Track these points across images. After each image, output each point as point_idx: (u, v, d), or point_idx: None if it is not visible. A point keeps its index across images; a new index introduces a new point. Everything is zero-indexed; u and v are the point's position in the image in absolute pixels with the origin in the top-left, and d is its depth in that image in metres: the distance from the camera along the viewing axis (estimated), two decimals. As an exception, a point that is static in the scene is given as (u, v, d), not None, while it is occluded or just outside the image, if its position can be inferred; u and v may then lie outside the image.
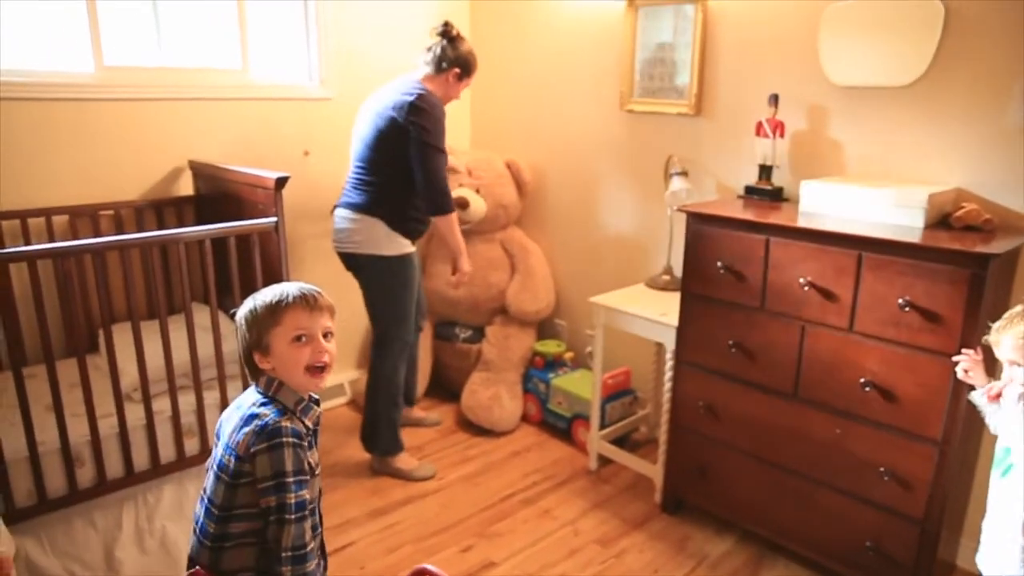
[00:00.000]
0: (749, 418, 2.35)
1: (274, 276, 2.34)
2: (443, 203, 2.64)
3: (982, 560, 1.67)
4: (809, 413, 2.20)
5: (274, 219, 2.30)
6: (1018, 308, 1.54)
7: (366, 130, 2.68)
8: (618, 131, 3.16)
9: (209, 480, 1.42)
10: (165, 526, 2.23)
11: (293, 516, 1.32)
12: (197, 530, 1.43)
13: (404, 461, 2.91)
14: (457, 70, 2.69)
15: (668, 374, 2.60)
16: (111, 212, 2.70)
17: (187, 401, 2.26)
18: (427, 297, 3.34)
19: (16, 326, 1.93)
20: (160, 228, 2.78)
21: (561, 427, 3.24)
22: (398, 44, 3.43)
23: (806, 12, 2.47)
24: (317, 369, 1.41)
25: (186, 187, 2.93)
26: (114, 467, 2.13)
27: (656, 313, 2.62)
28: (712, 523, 2.60)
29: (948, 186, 2.23)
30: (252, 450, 1.32)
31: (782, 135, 2.53)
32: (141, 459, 2.18)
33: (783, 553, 2.43)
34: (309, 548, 1.35)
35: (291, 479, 1.32)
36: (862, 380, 2.06)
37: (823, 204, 2.32)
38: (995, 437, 1.76)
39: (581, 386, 3.15)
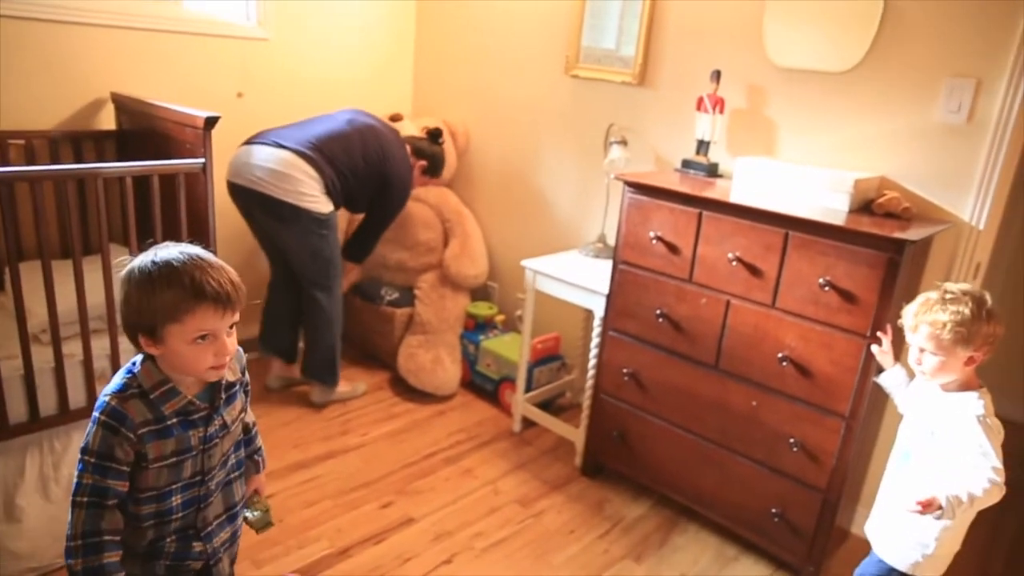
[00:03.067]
0: (671, 387, 2.42)
1: (200, 220, 2.26)
2: (364, 259, 3.20)
3: (870, 530, 1.79)
4: (729, 384, 2.28)
5: (202, 160, 2.21)
6: (933, 295, 1.60)
7: (369, 135, 2.84)
8: (562, 96, 3.15)
9: None
10: (72, 474, 2.15)
11: (83, 499, 1.20)
12: None
13: (344, 386, 3.11)
14: (424, 163, 3.11)
15: (595, 341, 2.64)
16: (21, 141, 2.52)
17: (101, 345, 2.16)
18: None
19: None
20: (77, 162, 2.63)
21: (488, 389, 3.26)
22: (341, -12, 3.31)
23: (753, -9, 2.49)
24: (218, 366, 1.26)
25: (108, 121, 2.77)
26: (17, 411, 2.03)
27: (587, 280, 2.65)
28: (630, 487, 2.67)
29: (874, 173, 2.31)
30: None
31: (722, 111, 2.56)
32: (48, 403, 2.08)
33: (695, 518, 2.53)
34: (102, 539, 1.21)
35: (91, 458, 1.20)
36: (780, 355, 2.14)
37: (755, 182, 2.37)
38: (894, 414, 1.88)
39: (510, 349, 3.17)
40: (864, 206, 2.24)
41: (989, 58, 2.10)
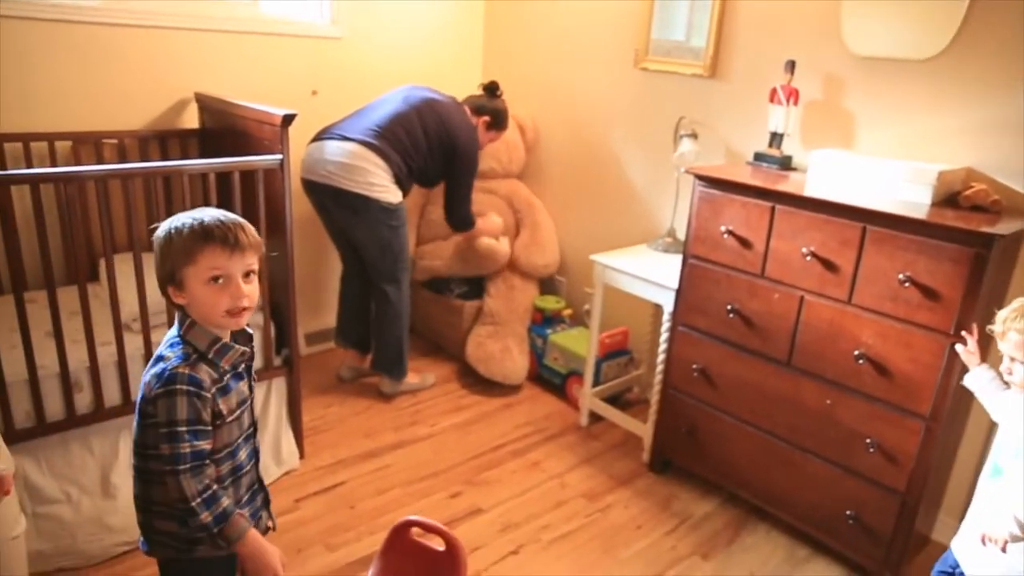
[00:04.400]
0: (742, 383, 2.38)
1: (277, 214, 2.34)
2: (467, 226, 3.14)
3: (958, 547, 1.68)
4: (802, 382, 2.23)
5: (279, 156, 2.28)
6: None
7: (427, 111, 2.87)
8: (631, 89, 3.12)
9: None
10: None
11: (186, 466, 1.27)
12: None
13: (411, 377, 3.15)
14: (487, 118, 3.05)
15: (664, 336, 2.62)
16: (115, 141, 2.67)
17: (186, 334, 2.27)
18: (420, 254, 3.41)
19: (17, 250, 1.92)
20: (164, 159, 2.76)
21: (556, 383, 3.27)
22: (412, -13, 3.37)
23: (831, -23, 2.42)
24: (235, 311, 1.32)
25: (191, 120, 2.90)
26: (112, 395, 2.16)
27: (657, 274, 2.63)
28: (698, 484, 2.64)
29: (959, 165, 2.21)
30: (152, 393, 1.28)
31: (796, 103, 2.50)
32: (138, 388, 2.20)
33: (765, 517, 2.48)
34: (214, 489, 1.30)
35: (182, 428, 1.26)
36: (856, 352, 2.08)
37: (832, 175, 2.30)
38: (981, 416, 1.78)
39: (578, 343, 3.17)
40: (949, 199, 2.14)
41: (1089, 41, 1.98)
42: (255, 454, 1.48)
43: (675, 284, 2.52)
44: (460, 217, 3.08)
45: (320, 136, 2.83)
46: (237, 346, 1.37)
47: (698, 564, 2.27)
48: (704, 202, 2.39)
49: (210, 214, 1.32)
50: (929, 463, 2.02)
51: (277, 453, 2.52)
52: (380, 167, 2.73)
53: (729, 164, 2.75)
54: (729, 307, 2.35)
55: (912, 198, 2.12)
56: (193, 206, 2.40)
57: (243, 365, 1.41)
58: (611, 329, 3.12)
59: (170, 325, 2.15)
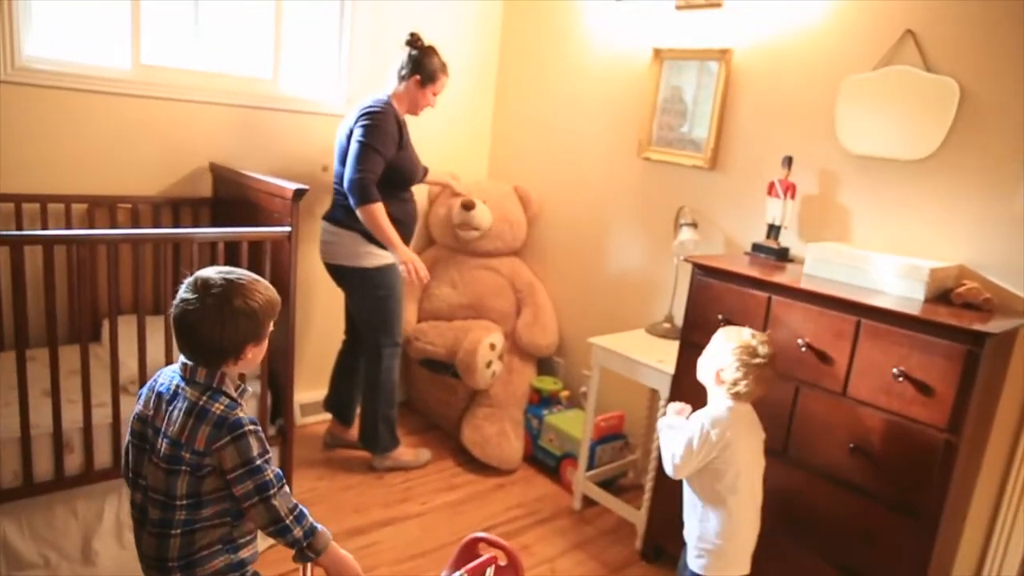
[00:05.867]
0: (736, 473, 2.35)
1: (282, 284, 2.38)
2: (362, 194, 2.64)
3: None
4: (796, 473, 2.21)
5: (288, 228, 2.34)
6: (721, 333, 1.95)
7: (338, 147, 2.82)
8: (633, 177, 3.22)
9: (155, 476, 1.38)
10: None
11: (276, 489, 1.40)
12: (152, 527, 1.39)
13: (403, 453, 3.12)
14: (417, 76, 2.78)
15: (661, 421, 2.60)
16: (129, 205, 2.75)
17: (182, 399, 2.28)
18: (424, 321, 3.41)
19: (23, 308, 1.95)
20: (175, 226, 2.83)
21: (550, 464, 3.23)
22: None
23: (826, 79, 2.53)
24: None
25: (205, 188, 2.98)
26: (103, 457, 2.14)
27: (654, 359, 2.64)
28: (690, 575, 2.58)
29: (951, 262, 2.26)
30: (215, 445, 1.35)
31: (793, 197, 2.57)
32: (130, 452, 2.19)
33: (759, 613, 2.41)
34: (300, 507, 1.44)
35: (260, 461, 1.38)
36: (851, 445, 2.07)
37: (827, 268, 2.35)
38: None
39: (574, 425, 3.15)
40: (942, 295, 2.18)
41: (1073, 150, 2.06)
42: None
43: (671, 369, 2.53)
44: (352, 181, 2.64)
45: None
46: (248, 388, 1.52)
47: (689, 661, 2.19)
48: (701, 290, 2.42)
49: (255, 280, 1.48)
50: (927, 563, 1.98)
51: (264, 525, 2.48)
52: (342, 234, 2.81)
53: (728, 254, 2.80)
54: (725, 394, 2.35)
55: (906, 293, 2.15)
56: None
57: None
58: (607, 412, 3.11)
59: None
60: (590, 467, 2.97)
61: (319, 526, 1.47)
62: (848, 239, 2.54)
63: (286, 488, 1.43)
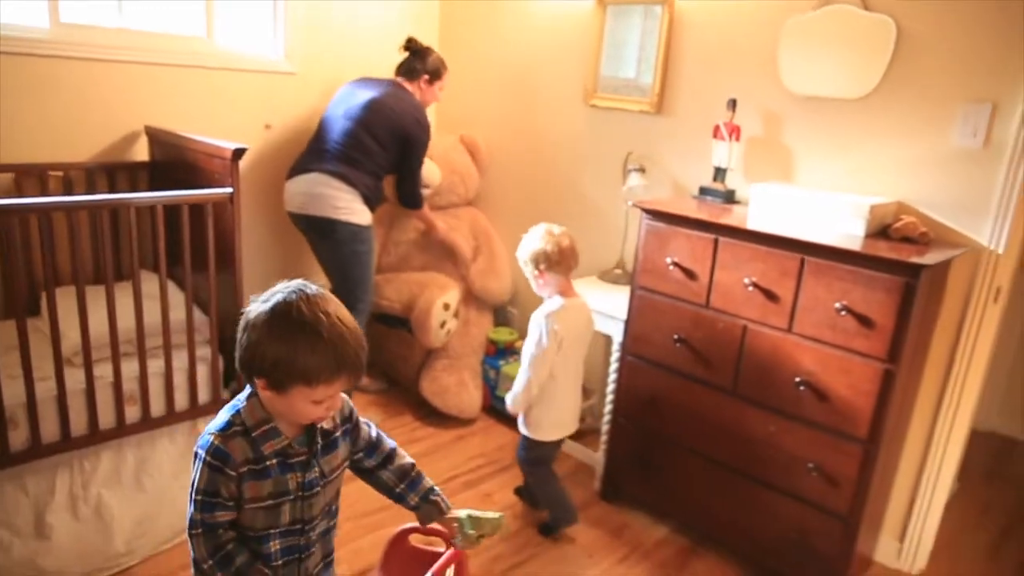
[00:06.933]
0: (688, 412, 2.42)
1: (227, 247, 2.33)
2: (418, 202, 3.17)
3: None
4: (746, 409, 2.28)
5: (230, 189, 2.28)
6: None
7: (365, 115, 2.89)
8: (580, 124, 3.20)
9: None
10: (101, 493, 2.20)
11: (196, 532, 1.25)
12: None
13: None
14: (426, 76, 3.06)
15: (614, 366, 2.66)
16: (60, 173, 2.63)
17: (130, 368, 2.23)
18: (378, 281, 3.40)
19: (-46, 283, 1.88)
20: (112, 192, 2.73)
21: (508, 414, 3.26)
22: (366, 26, 3.42)
23: (768, 21, 2.53)
24: (319, 420, 1.30)
25: (141, 153, 2.87)
26: (50, 431, 2.09)
27: (606, 305, 2.67)
28: (650, 512, 2.67)
29: (890, 198, 2.32)
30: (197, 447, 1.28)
31: (738, 139, 2.59)
32: (79, 424, 2.14)
33: (715, 544, 2.51)
34: (227, 550, 1.26)
35: (197, 496, 1.24)
36: (797, 379, 2.14)
37: (772, 208, 2.39)
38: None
39: (530, 374, 3.18)
40: (881, 231, 2.24)
41: (1005, 83, 2.12)
42: (298, 556, 1.36)
43: (623, 315, 2.57)
44: (410, 193, 3.11)
45: (292, 172, 2.95)
46: (287, 438, 1.28)
47: (649, 593, 2.28)
48: (651, 235, 2.45)
49: (330, 315, 1.20)
50: (869, 486, 2.08)
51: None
52: (344, 190, 2.84)
53: (675, 197, 2.83)
54: (675, 337, 2.40)
55: (848, 230, 2.21)
56: (140, 240, 2.37)
57: (297, 459, 1.30)
58: (563, 360, 3.15)
59: (115, 360, 2.13)
60: (548, 414, 3.02)
61: (253, 567, 1.28)
62: (792, 179, 2.58)
63: (215, 536, 1.25)
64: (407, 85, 3.05)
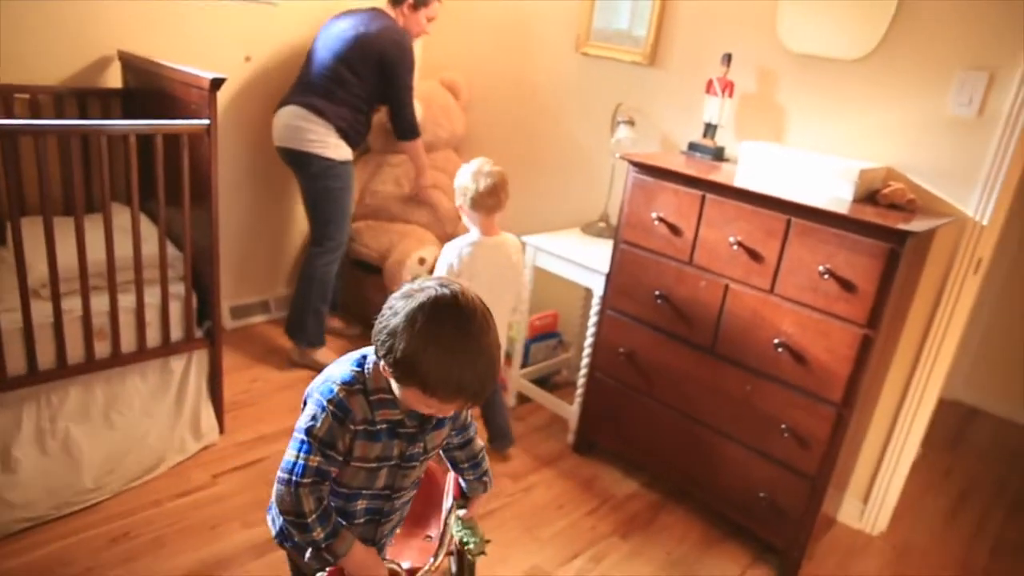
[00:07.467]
0: (666, 368, 2.43)
1: (203, 181, 2.25)
2: (413, 132, 3.03)
3: None
4: (724, 368, 2.29)
5: (206, 121, 2.19)
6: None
7: (341, 46, 2.82)
8: (571, 73, 3.13)
9: None
10: (69, 428, 2.16)
11: (305, 480, 1.18)
12: None
13: (324, 355, 3.06)
14: (410, 1, 2.91)
15: (593, 319, 2.65)
16: (26, 96, 2.51)
17: (100, 302, 2.17)
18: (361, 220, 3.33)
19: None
20: (82, 119, 2.62)
21: (484, 363, 3.26)
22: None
23: (769, -27, 2.46)
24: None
25: (114, 79, 2.75)
26: (16, 364, 2.04)
27: (588, 258, 2.65)
28: (621, 466, 2.69)
29: (880, 163, 2.30)
30: (307, 393, 1.25)
31: (731, 95, 2.55)
32: (46, 358, 2.09)
33: (684, 499, 2.55)
34: (304, 516, 1.20)
35: (315, 443, 1.18)
36: (776, 341, 2.15)
37: (761, 167, 2.36)
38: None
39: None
40: (869, 196, 2.23)
41: (1003, 52, 2.08)
42: (378, 519, 1.35)
43: (606, 268, 2.55)
44: (407, 123, 3.00)
45: (278, 105, 2.91)
46: (399, 411, 1.24)
47: (617, 544, 2.32)
48: (637, 188, 2.41)
49: (472, 337, 1.14)
50: (838, 448, 2.11)
51: (196, 427, 2.44)
52: (318, 123, 2.80)
53: (664, 152, 2.78)
54: (657, 293, 2.39)
55: (836, 193, 2.19)
56: (112, 170, 2.29)
57: (405, 430, 1.27)
58: (542, 312, 3.14)
59: (84, 293, 2.07)
60: (524, 365, 3.02)
61: (342, 524, 1.25)
62: (782, 139, 2.55)
63: (321, 488, 1.21)
64: (390, 11, 2.93)
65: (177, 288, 2.34)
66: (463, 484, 1.51)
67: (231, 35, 3.02)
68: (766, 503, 2.26)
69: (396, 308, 1.16)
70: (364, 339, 3.40)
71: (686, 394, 2.39)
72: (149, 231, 2.36)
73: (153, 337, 2.31)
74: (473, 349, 1.14)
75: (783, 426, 2.17)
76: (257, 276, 3.42)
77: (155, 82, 2.50)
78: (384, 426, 1.24)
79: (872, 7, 2.25)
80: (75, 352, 2.15)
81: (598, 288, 2.60)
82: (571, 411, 2.79)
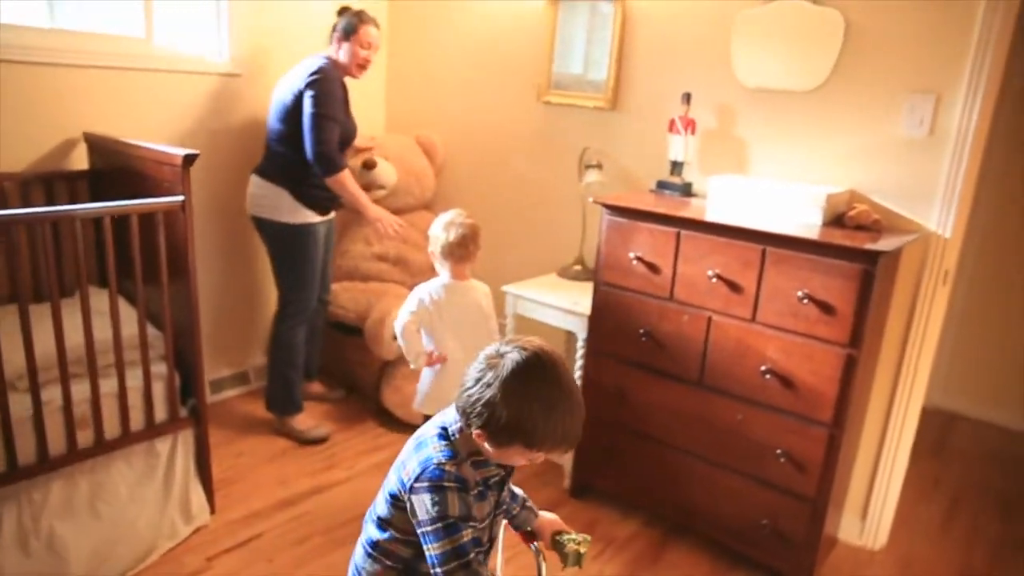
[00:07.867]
0: (657, 405, 2.44)
1: (179, 257, 2.23)
2: (329, 165, 2.74)
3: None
4: (713, 399, 2.31)
5: (181, 197, 2.19)
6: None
7: (276, 104, 2.83)
8: (534, 122, 3.19)
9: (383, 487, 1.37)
10: (53, 526, 2.07)
11: (468, 558, 1.22)
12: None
13: (300, 422, 3.04)
14: (338, 35, 2.83)
15: (579, 362, 2.66)
16: (-8, 185, 2.48)
17: (81, 390, 2.11)
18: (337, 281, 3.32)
19: None
20: (50, 204, 2.59)
21: (472, 415, 3.24)
22: (312, 24, 3.32)
23: (720, 15, 2.57)
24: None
25: (80, 161, 2.73)
26: (-4, 461, 1.97)
27: (568, 302, 2.67)
28: (619, 506, 2.68)
29: (843, 187, 2.38)
30: (412, 484, 1.24)
31: (693, 132, 2.62)
32: (26, 453, 2.02)
33: (687, 533, 2.54)
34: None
35: (459, 521, 1.21)
36: (762, 368, 2.18)
37: (730, 199, 2.43)
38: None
39: (493, 374, 3.16)
40: (836, 219, 2.30)
41: (947, 75, 2.19)
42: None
43: (587, 311, 2.57)
44: (318, 156, 2.69)
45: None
46: (493, 467, 1.30)
47: (626, 587, 2.29)
48: (613, 230, 2.46)
49: (573, 393, 1.21)
50: (834, 468, 2.13)
51: (186, 509, 2.37)
52: (269, 188, 2.81)
53: (634, 192, 2.84)
54: (641, 331, 2.42)
55: (805, 220, 2.26)
56: (87, 255, 2.25)
57: (494, 479, 1.32)
58: (526, 358, 3.13)
59: (64, 382, 2.02)
60: (514, 414, 3.01)
61: None
62: (746, 170, 2.62)
63: (478, 565, 1.23)
64: (323, 52, 2.84)
65: (159, 368, 2.30)
66: (516, 523, 1.53)
67: (195, 107, 3.02)
68: (769, 530, 2.27)
69: (485, 380, 1.20)
70: (348, 402, 3.36)
71: (679, 428, 2.40)
72: (127, 312, 2.32)
73: (137, 420, 2.25)
74: (568, 398, 1.21)
75: (778, 451, 2.20)
76: (231, 347, 3.37)
77: (123, 161, 2.49)
78: (481, 485, 1.29)
79: (820, 40, 2.36)
80: (56, 444, 2.08)
81: (581, 331, 2.62)
82: (565, 457, 2.78)
